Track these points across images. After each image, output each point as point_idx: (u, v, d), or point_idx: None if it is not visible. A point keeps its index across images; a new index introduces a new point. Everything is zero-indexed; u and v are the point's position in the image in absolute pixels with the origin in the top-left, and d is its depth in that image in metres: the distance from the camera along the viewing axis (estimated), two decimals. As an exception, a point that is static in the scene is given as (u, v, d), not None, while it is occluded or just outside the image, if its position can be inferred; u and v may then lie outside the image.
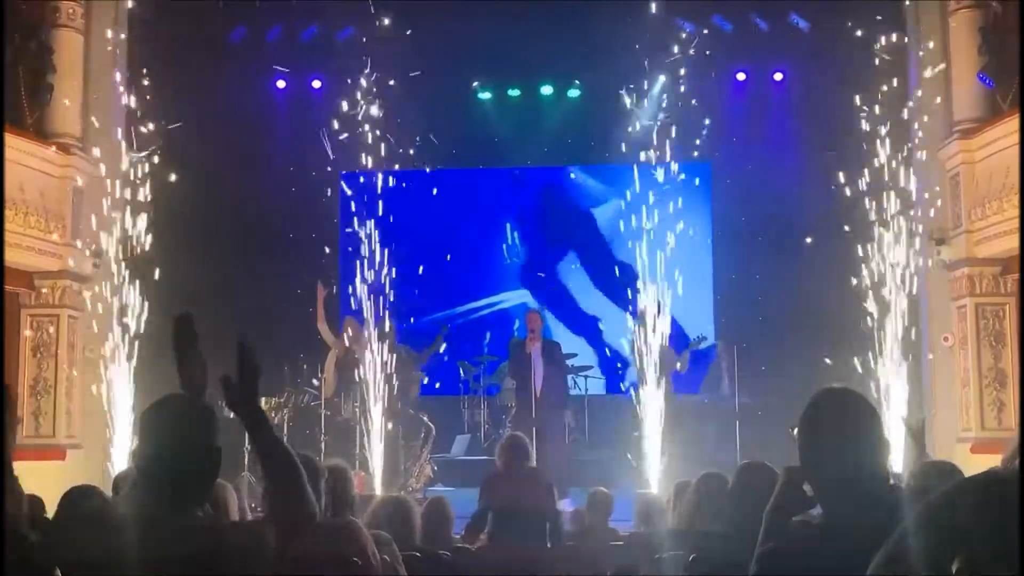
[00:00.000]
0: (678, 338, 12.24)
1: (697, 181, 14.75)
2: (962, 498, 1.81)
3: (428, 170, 14.90)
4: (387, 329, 11.73)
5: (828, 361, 10.24)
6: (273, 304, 13.34)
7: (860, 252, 10.27)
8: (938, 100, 11.36)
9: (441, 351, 12.83)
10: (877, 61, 10.95)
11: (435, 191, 15.39)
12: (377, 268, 10.71)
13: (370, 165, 11.66)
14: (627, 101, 13.08)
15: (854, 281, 10.21)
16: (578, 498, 9.33)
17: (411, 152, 13.53)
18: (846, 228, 10.68)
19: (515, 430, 11.54)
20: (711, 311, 14.78)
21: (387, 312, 10.62)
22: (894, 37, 11.35)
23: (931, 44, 11.43)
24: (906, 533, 1.87)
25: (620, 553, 5.65)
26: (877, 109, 10.67)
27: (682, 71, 12.14)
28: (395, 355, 11.77)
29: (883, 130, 10.55)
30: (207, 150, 12.82)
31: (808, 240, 11.73)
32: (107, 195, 11.06)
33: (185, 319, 2.86)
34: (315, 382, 11.95)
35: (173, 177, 11.32)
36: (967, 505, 1.78)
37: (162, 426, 2.77)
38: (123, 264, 10.39)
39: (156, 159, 10.99)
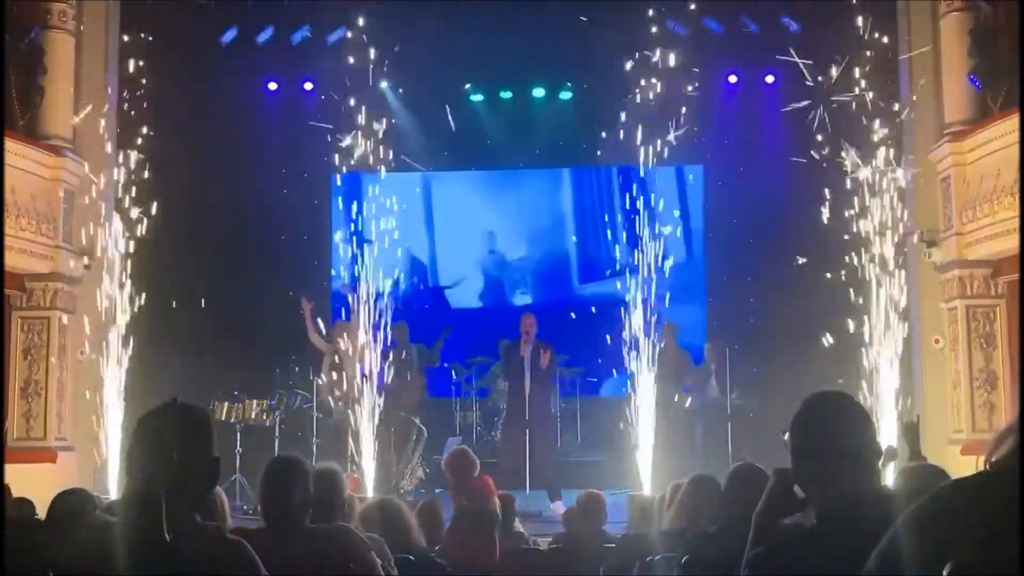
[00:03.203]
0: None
1: (689, 182, 14.79)
2: (953, 499, 1.81)
3: (419, 172, 14.92)
4: (401, 327, 11.75)
5: (827, 339, 10.25)
6: (264, 306, 13.33)
7: (851, 254, 10.28)
8: (929, 102, 11.40)
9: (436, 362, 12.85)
10: (868, 63, 10.97)
11: (421, 191, 15.41)
12: (369, 269, 10.69)
13: (361, 167, 11.66)
14: (618, 103, 13.10)
15: (845, 283, 10.22)
16: (570, 500, 9.33)
17: (402, 154, 13.54)
18: (838, 231, 10.69)
19: (507, 432, 11.58)
20: (703, 313, 14.81)
21: (383, 312, 10.60)
22: (885, 39, 11.38)
23: (922, 46, 11.46)
24: (897, 535, 1.87)
25: (612, 555, 5.65)
26: (868, 111, 10.69)
27: (674, 73, 12.14)
28: (409, 353, 11.82)
29: (874, 132, 10.57)
30: (199, 152, 12.81)
31: (800, 260, 11.67)
32: (98, 197, 11.04)
33: None
34: (318, 382, 11.94)
35: (164, 179, 11.30)
36: (958, 506, 1.78)
37: (161, 434, 2.77)
38: (114, 266, 10.36)
39: (147, 161, 10.96)
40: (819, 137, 11.56)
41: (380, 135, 11.83)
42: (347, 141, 11.59)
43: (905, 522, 1.84)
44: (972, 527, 1.70)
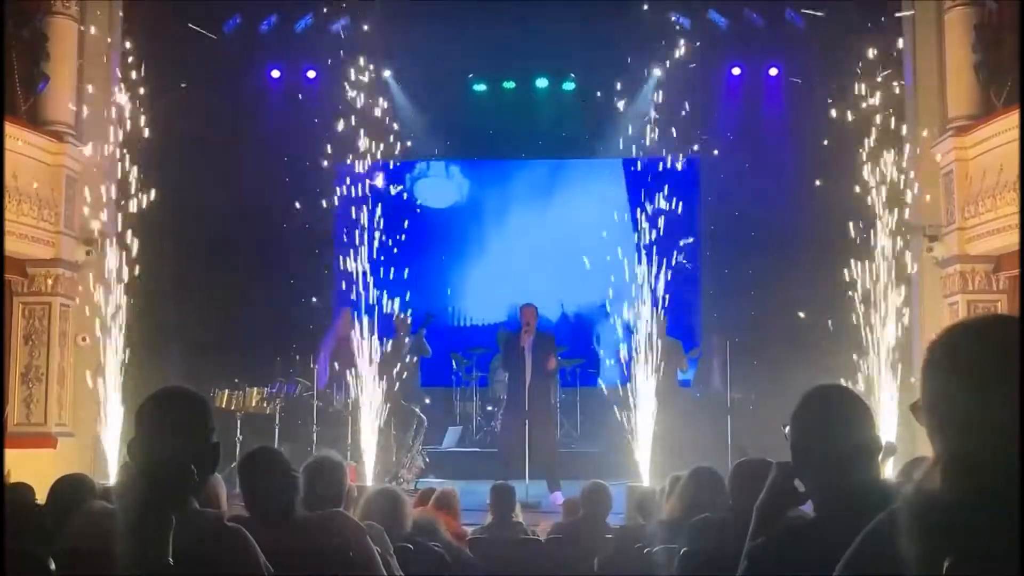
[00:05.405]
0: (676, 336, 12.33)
1: (690, 175, 14.76)
2: (900, 527, 1.77)
3: (422, 161, 14.92)
4: (402, 317, 11.74)
5: (805, 315, 10.24)
6: (266, 294, 13.33)
7: (853, 248, 10.28)
8: (932, 97, 11.38)
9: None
10: (872, 57, 10.95)
11: (422, 181, 15.41)
12: (371, 258, 10.69)
13: (364, 156, 11.64)
14: (621, 95, 13.08)
15: (846, 277, 10.21)
16: (569, 490, 9.34)
17: (406, 144, 13.51)
18: (839, 225, 10.69)
19: (506, 422, 11.59)
20: (702, 306, 14.81)
21: (387, 302, 10.62)
22: (889, 33, 11.36)
23: (926, 41, 11.44)
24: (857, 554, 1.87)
25: (612, 546, 5.66)
26: (871, 105, 10.68)
27: (677, 65, 12.13)
28: (412, 342, 11.83)
29: (877, 127, 10.56)
30: (201, 139, 12.79)
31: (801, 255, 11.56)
32: (100, 183, 11.04)
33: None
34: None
35: (167, 166, 11.29)
36: (904, 536, 1.74)
37: (161, 419, 2.78)
38: (116, 252, 10.37)
39: (150, 148, 10.95)
40: (821, 131, 11.56)
41: (382, 124, 11.82)
42: (349, 130, 11.57)
43: (854, 549, 1.84)
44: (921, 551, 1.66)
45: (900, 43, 11.58)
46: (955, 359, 1.74)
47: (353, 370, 10.46)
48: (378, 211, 11.01)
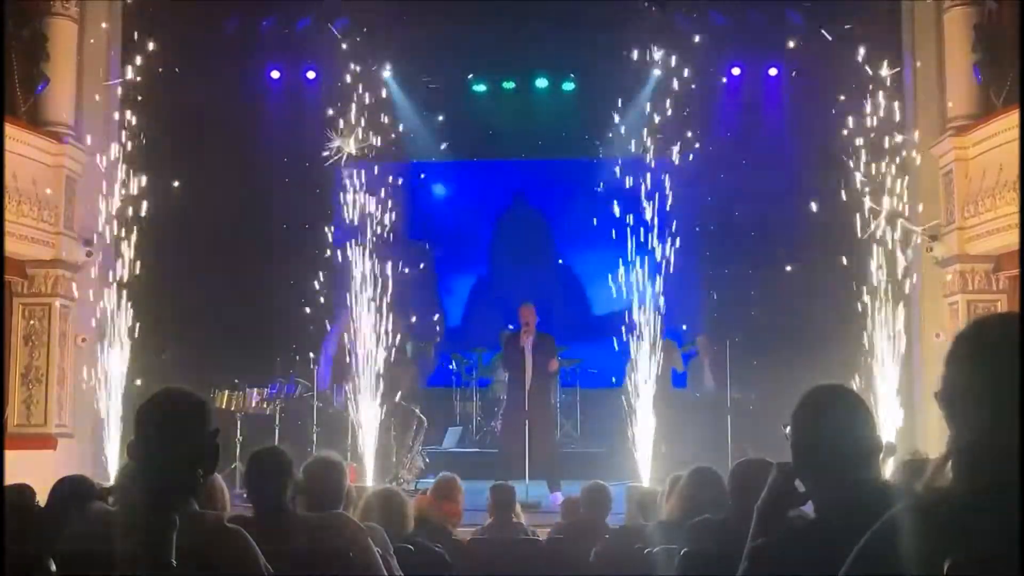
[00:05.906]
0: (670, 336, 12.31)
1: (690, 175, 14.74)
2: (904, 528, 1.77)
3: (421, 162, 14.91)
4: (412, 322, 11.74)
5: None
6: (266, 295, 13.32)
7: (852, 248, 10.28)
8: (932, 97, 11.38)
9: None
10: (872, 57, 10.95)
11: (425, 181, 15.41)
12: (371, 258, 10.69)
13: (364, 156, 11.64)
14: (621, 95, 13.08)
15: (846, 277, 10.21)
16: (569, 491, 9.34)
17: (404, 144, 13.50)
18: (839, 225, 10.69)
19: (507, 422, 11.59)
20: (702, 306, 14.79)
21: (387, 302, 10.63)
22: (889, 33, 11.36)
23: (926, 41, 11.44)
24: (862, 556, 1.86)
25: (611, 546, 5.65)
26: (871, 105, 10.67)
27: (677, 65, 12.12)
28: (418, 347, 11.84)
29: (877, 126, 10.55)
30: (200, 139, 12.78)
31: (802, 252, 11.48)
32: (100, 184, 11.03)
33: None
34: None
35: (166, 167, 11.29)
36: (911, 535, 1.74)
37: (161, 420, 2.78)
38: (116, 253, 10.37)
39: (149, 148, 10.95)
40: (821, 130, 11.55)
41: (381, 124, 11.82)
42: (349, 130, 11.57)
43: (858, 553, 1.83)
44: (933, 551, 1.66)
45: (900, 43, 11.57)
46: (976, 352, 1.77)
47: (352, 373, 10.45)
48: (378, 211, 11.00)
